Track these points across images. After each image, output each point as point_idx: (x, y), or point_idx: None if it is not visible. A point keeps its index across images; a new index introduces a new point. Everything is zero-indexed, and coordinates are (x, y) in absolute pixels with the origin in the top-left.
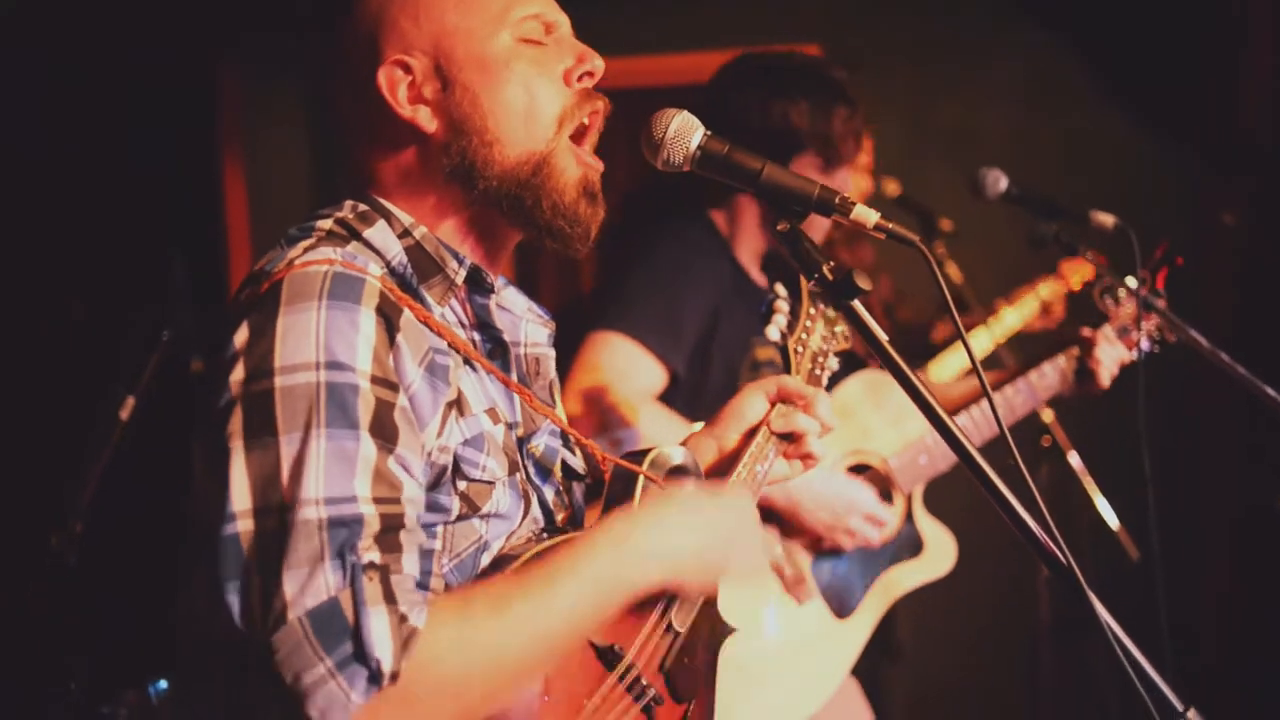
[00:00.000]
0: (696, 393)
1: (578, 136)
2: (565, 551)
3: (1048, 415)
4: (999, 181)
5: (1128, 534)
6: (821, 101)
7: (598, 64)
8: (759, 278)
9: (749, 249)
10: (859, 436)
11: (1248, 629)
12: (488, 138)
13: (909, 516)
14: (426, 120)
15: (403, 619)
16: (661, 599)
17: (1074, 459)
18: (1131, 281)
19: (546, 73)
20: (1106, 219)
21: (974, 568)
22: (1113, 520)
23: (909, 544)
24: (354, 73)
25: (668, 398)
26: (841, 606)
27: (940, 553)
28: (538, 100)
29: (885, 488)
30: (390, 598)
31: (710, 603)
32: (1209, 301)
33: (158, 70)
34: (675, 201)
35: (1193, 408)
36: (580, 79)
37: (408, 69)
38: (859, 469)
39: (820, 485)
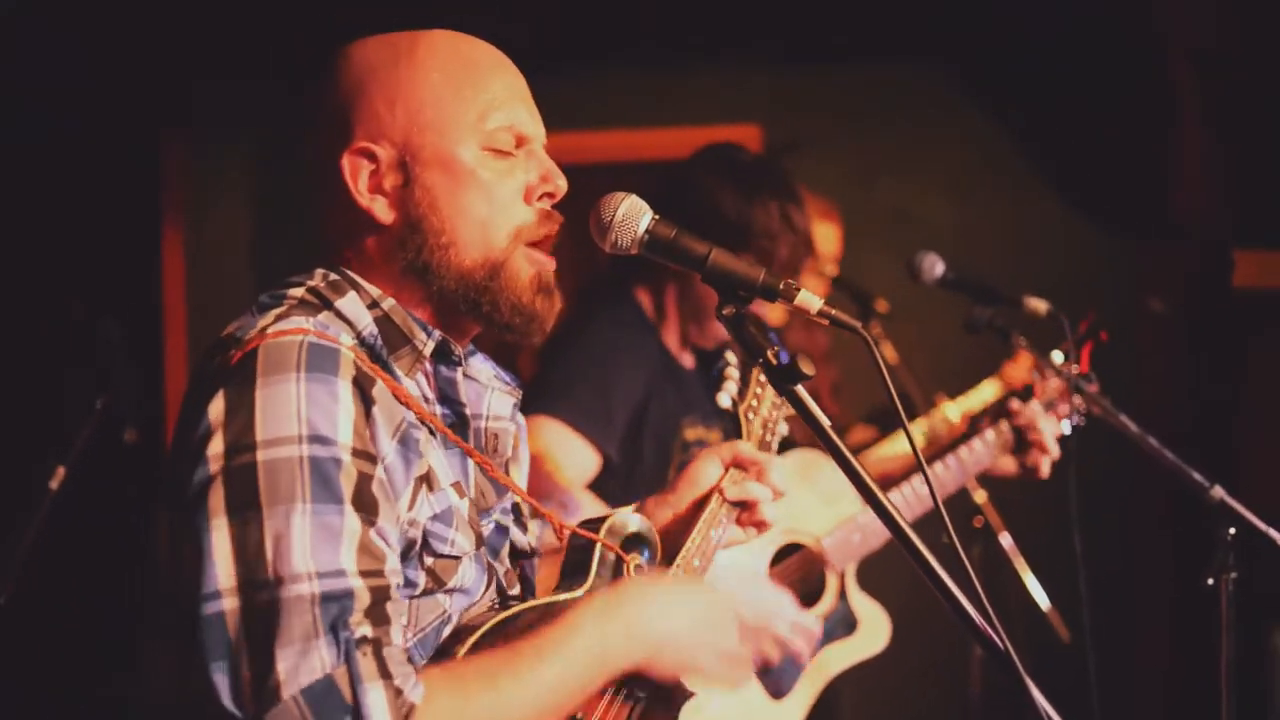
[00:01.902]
0: (630, 474)
1: (531, 245)
2: (550, 629)
3: (980, 496)
4: (935, 266)
5: (1058, 615)
6: (781, 218)
7: (561, 184)
8: (686, 360)
9: (675, 331)
10: (792, 516)
11: (1182, 709)
12: (443, 240)
13: (842, 595)
14: (383, 212)
15: (399, 693)
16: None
17: (1006, 540)
18: (1058, 356)
19: (509, 187)
20: (1039, 305)
21: (908, 646)
22: (1043, 601)
23: (843, 623)
24: (322, 145)
25: (602, 480)
26: (776, 688)
27: (874, 630)
28: (496, 213)
29: (819, 568)
30: (386, 673)
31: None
32: (1141, 386)
33: (101, 134)
34: (603, 283)
35: (1124, 487)
36: (541, 198)
37: (372, 157)
38: (792, 548)
39: (746, 593)
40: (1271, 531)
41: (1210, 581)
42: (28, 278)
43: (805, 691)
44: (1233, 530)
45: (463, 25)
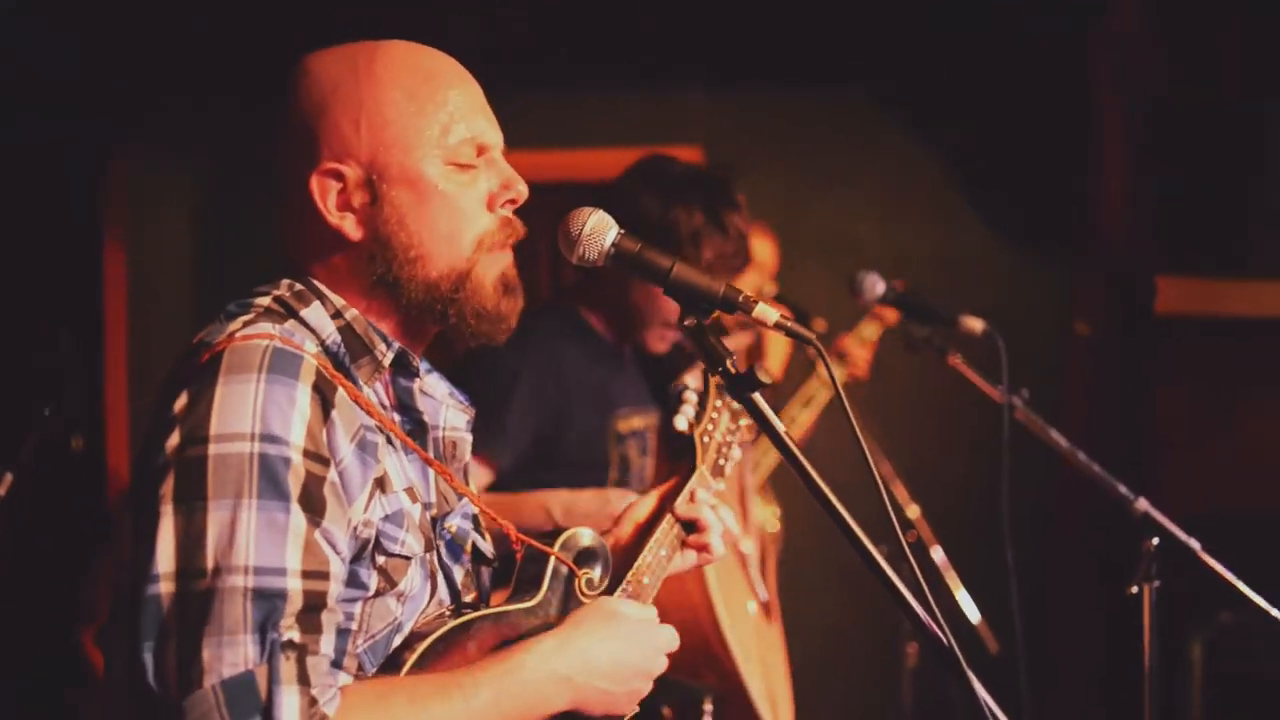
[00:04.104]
0: (563, 468)
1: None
2: (490, 661)
3: (913, 511)
4: (876, 285)
5: (987, 627)
6: (705, 219)
7: (522, 190)
8: (626, 350)
9: (612, 325)
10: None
11: (1107, 716)
12: (411, 254)
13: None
14: (352, 229)
15: (313, 702)
16: None
17: (937, 554)
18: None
19: (471, 196)
20: (975, 324)
21: (839, 649)
22: (973, 614)
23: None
24: (289, 163)
25: (539, 475)
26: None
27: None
28: (459, 224)
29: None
30: (304, 679)
31: None
32: (1066, 405)
33: (45, 146)
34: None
35: (1048, 500)
36: (503, 205)
37: (340, 177)
38: None
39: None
40: (1192, 542)
41: (1134, 590)
42: None
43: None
44: (1155, 540)
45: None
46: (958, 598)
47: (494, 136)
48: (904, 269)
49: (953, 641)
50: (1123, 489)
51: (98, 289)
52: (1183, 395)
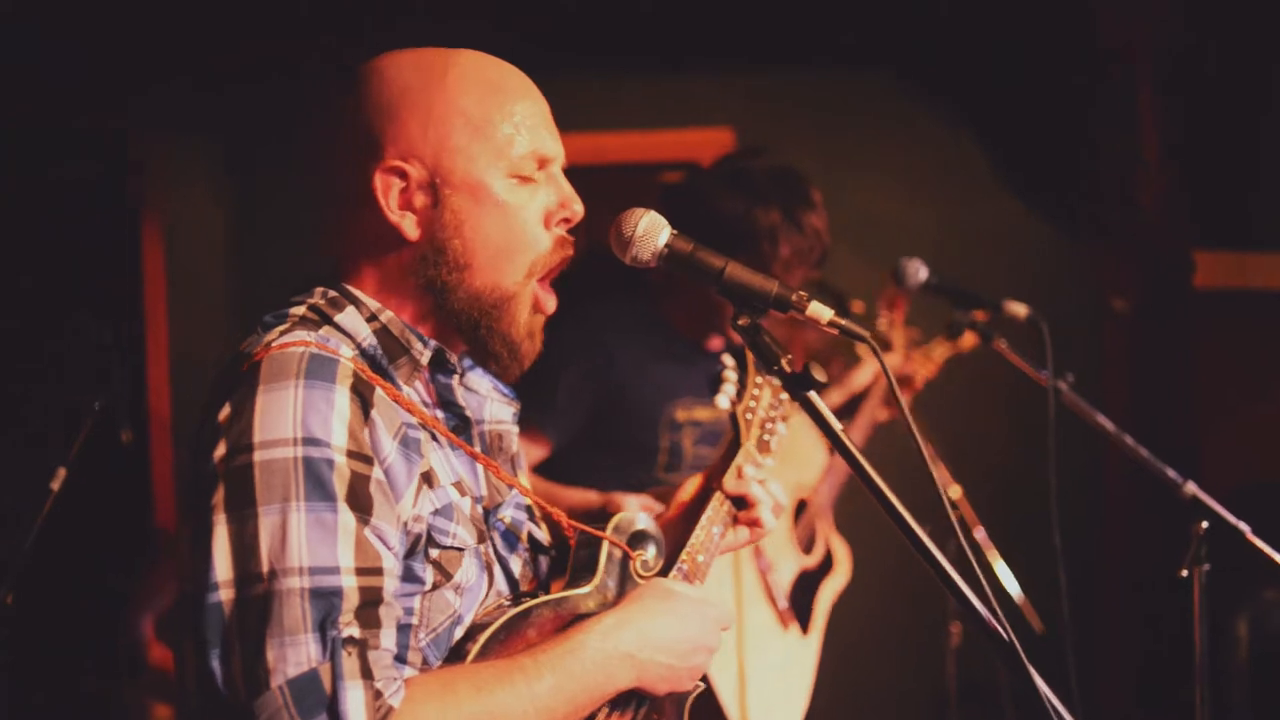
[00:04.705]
0: (615, 450)
1: (542, 279)
2: (551, 644)
3: (955, 491)
4: (920, 271)
5: (1030, 607)
6: (784, 218)
7: (578, 209)
8: (705, 343)
9: (686, 317)
10: (794, 476)
11: (1150, 695)
12: (461, 261)
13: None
14: (411, 229)
15: (378, 695)
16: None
17: (980, 534)
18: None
19: (530, 211)
20: (1019, 308)
21: (883, 628)
22: (1015, 590)
23: (828, 564)
24: (349, 159)
25: (589, 455)
26: (803, 624)
27: (844, 564)
28: (515, 239)
29: (813, 519)
30: (368, 673)
31: None
32: (1105, 385)
33: (75, 137)
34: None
35: (1098, 482)
36: (558, 223)
37: (404, 175)
38: (800, 505)
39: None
40: (1242, 525)
41: (1184, 573)
42: (11, 282)
43: (816, 628)
44: (1205, 524)
45: (442, 31)
46: (1000, 578)
47: (556, 150)
48: (937, 249)
49: (1014, 637)
50: (1171, 473)
51: (138, 277)
52: (1222, 369)
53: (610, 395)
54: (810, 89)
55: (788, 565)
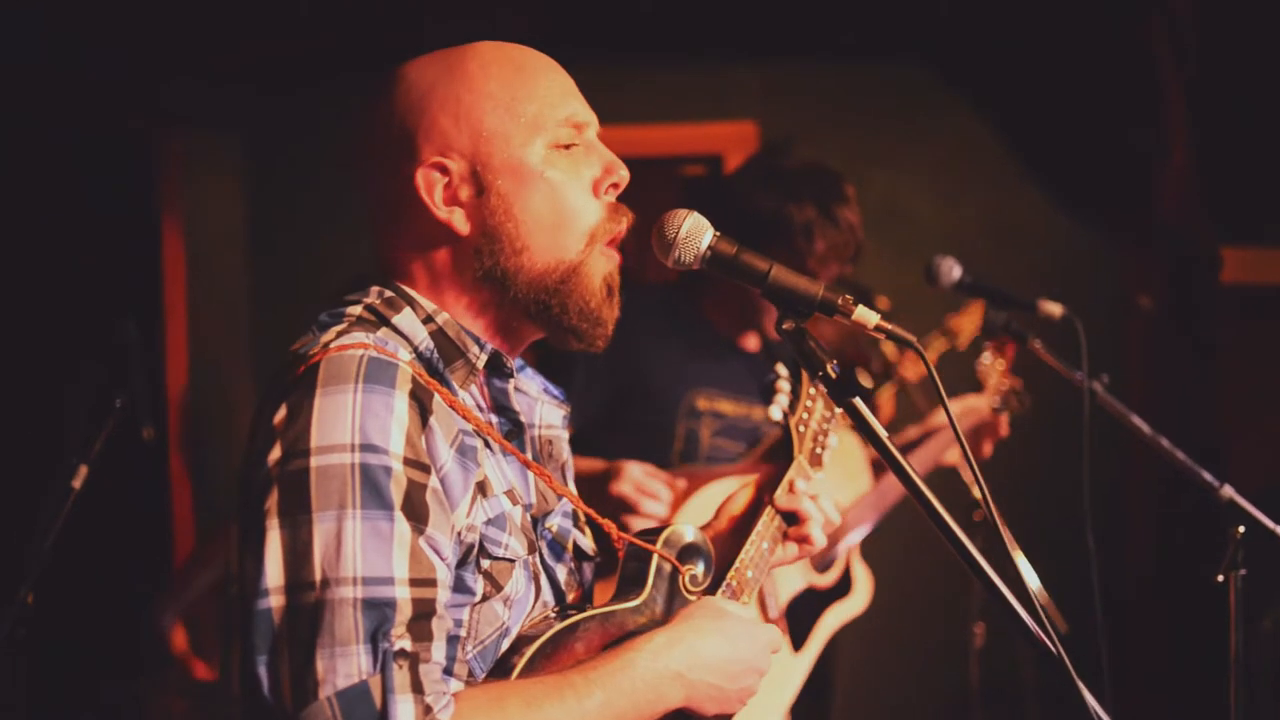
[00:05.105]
0: (630, 431)
1: (607, 244)
2: (603, 661)
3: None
4: (953, 270)
5: (1055, 606)
6: (818, 213)
7: (624, 174)
8: (743, 342)
9: (726, 314)
10: (827, 490)
11: (1180, 693)
12: (518, 245)
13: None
14: (461, 223)
15: (428, 710)
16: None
17: (1005, 532)
18: (987, 357)
19: (576, 183)
20: (1054, 308)
21: (907, 628)
22: (1033, 581)
23: (844, 587)
24: (388, 164)
25: (605, 435)
26: (795, 640)
27: (862, 591)
28: (567, 211)
29: (837, 538)
30: (418, 687)
31: None
32: (1129, 383)
33: (94, 134)
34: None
35: (1121, 482)
36: (607, 190)
37: (445, 170)
38: None
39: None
40: (1279, 529)
41: (1220, 579)
42: (31, 279)
43: (814, 647)
44: (1242, 528)
45: (462, 22)
46: (1025, 578)
47: (588, 115)
48: (959, 244)
49: (1062, 650)
50: (1207, 476)
51: (157, 273)
52: (1250, 366)
53: (629, 378)
54: (834, 82)
55: (792, 576)
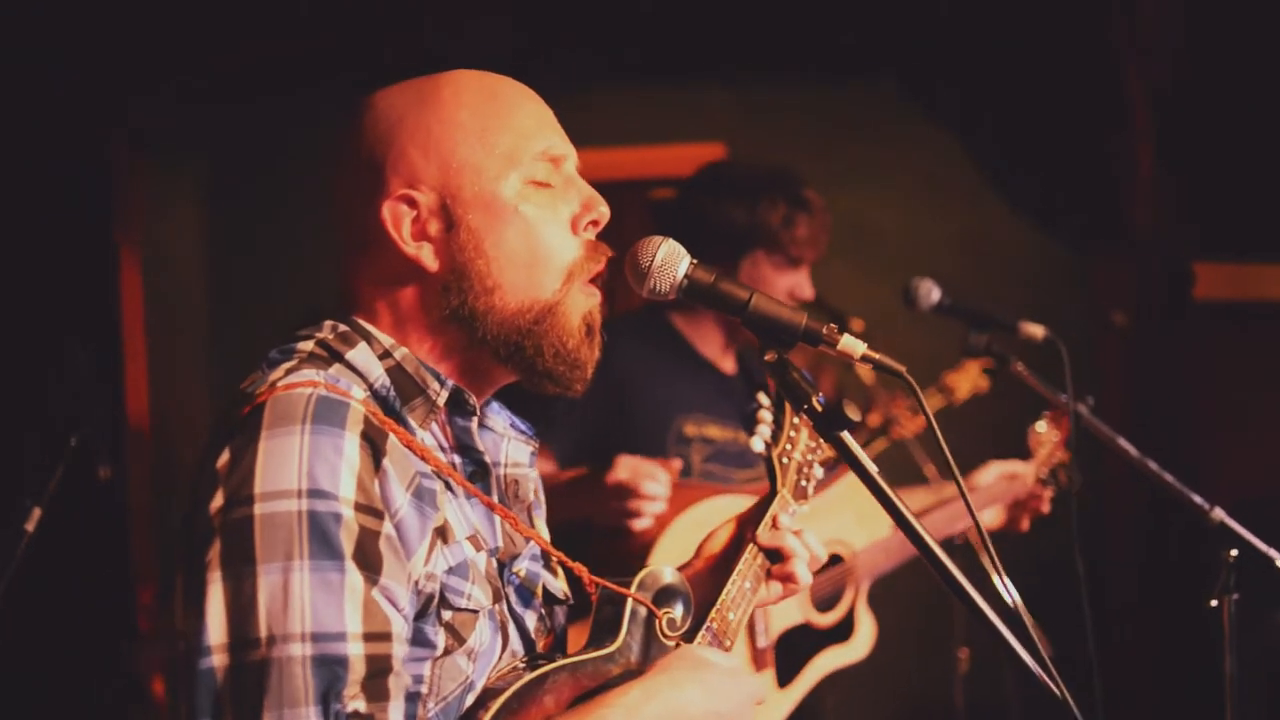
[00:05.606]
0: (609, 453)
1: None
2: (572, 716)
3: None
4: (931, 293)
5: (1040, 630)
6: (789, 205)
7: (603, 211)
8: (724, 364)
9: (710, 336)
10: (835, 529)
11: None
12: (489, 283)
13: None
14: (429, 259)
15: None
16: None
17: (987, 561)
18: (1041, 425)
19: (553, 219)
20: (1036, 330)
21: (894, 656)
22: (1012, 596)
23: (844, 630)
24: (356, 196)
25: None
26: (783, 677)
27: (863, 639)
28: (543, 249)
29: (844, 579)
30: None
31: None
32: (1103, 400)
33: (53, 153)
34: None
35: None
36: (586, 227)
37: (413, 203)
38: (832, 559)
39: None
40: (1273, 553)
41: (1214, 603)
42: None
43: (802, 686)
44: (1234, 552)
45: (436, 46)
46: (997, 584)
47: (565, 148)
48: (932, 263)
49: (1066, 694)
50: (1197, 499)
51: (115, 303)
52: (1224, 381)
53: (617, 407)
54: (803, 102)
55: (788, 609)
